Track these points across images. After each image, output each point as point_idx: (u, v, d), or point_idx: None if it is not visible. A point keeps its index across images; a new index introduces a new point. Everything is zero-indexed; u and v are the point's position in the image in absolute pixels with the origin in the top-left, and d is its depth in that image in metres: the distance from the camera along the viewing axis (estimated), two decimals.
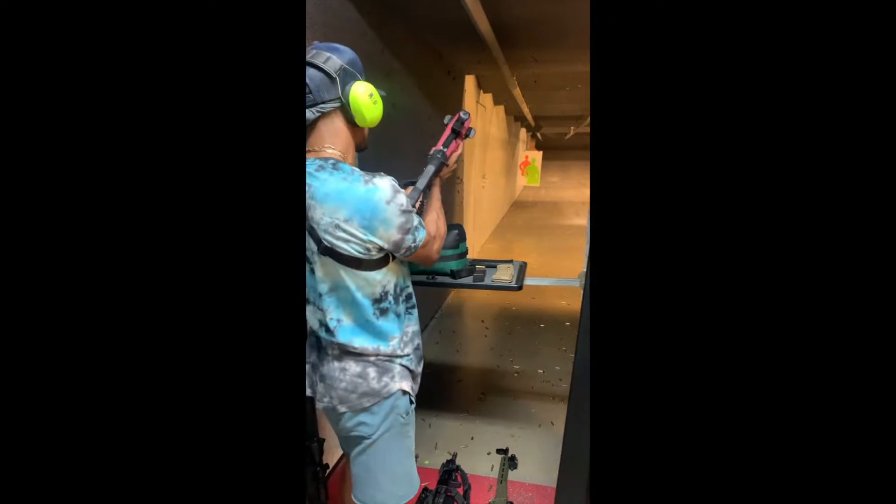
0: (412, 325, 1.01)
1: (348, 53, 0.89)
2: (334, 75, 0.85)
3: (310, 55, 0.86)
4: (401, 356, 0.98)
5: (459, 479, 1.69)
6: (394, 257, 0.92)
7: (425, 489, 1.64)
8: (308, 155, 0.90)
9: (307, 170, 0.87)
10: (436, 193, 1.03)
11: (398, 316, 0.97)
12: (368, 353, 0.93)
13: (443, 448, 1.95)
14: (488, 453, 1.92)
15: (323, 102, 0.86)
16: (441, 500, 1.59)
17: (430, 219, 0.99)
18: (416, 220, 0.90)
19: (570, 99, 5.65)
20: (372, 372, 0.94)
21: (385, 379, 0.95)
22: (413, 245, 0.90)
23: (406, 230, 0.87)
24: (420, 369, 1.06)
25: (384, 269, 0.91)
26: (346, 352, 0.93)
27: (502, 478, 1.73)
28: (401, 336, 0.97)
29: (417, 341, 1.03)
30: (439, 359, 2.91)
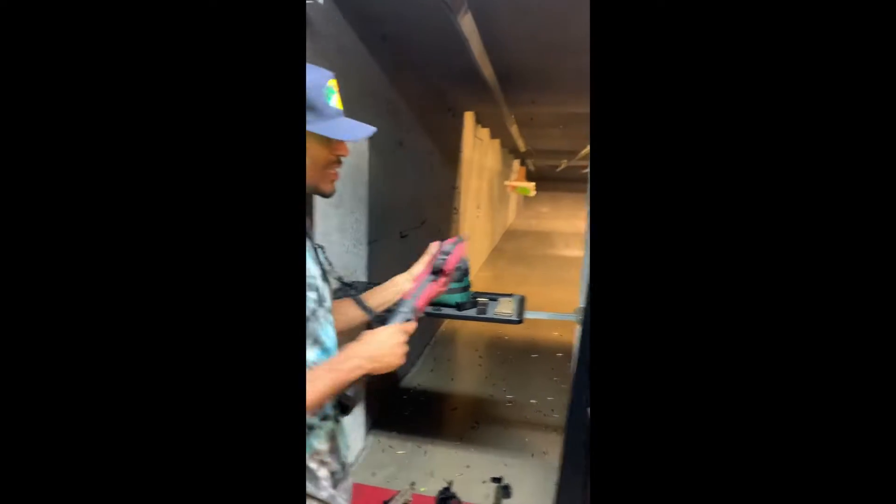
0: (320, 445, 0.74)
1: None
2: None
3: None
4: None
5: None
6: None
7: None
8: None
9: None
10: (346, 357, 0.68)
11: None
12: None
13: (438, 476, 1.98)
14: (483, 482, 1.96)
15: None
16: None
17: (313, 375, 0.62)
18: None
19: (564, 136, 5.87)
20: None
21: None
22: None
23: None
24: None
25: None
26: None
27: None
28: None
29: (326, 470, 0.75)
30: (434, 386, 2.96)
